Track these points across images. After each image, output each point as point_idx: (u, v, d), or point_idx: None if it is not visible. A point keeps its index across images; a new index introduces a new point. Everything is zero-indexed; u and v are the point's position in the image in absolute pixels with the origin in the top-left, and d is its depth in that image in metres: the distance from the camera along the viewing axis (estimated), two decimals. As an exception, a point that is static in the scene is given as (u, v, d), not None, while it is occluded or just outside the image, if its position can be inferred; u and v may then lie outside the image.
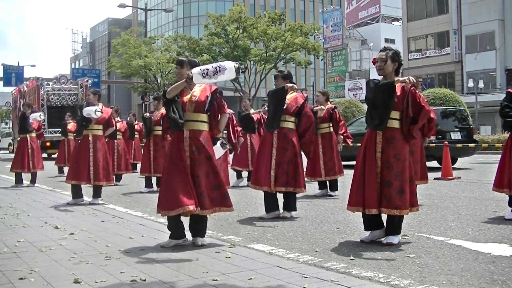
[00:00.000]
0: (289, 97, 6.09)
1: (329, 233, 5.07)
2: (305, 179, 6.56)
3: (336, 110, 8.38)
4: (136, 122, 13.20)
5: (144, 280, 3.36)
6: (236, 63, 4.38)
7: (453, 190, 8.54)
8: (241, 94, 35.20)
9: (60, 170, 13.78)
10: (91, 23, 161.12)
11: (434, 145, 11.46)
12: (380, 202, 4.43)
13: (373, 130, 4.56)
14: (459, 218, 5.84)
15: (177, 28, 62.55)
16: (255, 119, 10.04)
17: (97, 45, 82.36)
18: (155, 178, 9.31)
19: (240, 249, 4.30)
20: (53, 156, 19.84)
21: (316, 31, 38.84)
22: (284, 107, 6.01)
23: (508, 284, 3.31)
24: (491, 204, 6.76)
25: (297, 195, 6.34)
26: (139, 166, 11.48)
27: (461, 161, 14.75)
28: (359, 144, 4.81)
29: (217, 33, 35.43)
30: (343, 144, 8.53)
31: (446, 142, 11.36)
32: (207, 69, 4.29)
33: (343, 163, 8.62)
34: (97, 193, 7.61)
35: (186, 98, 4.55)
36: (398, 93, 4.50)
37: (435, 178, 10.25)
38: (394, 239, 4.46)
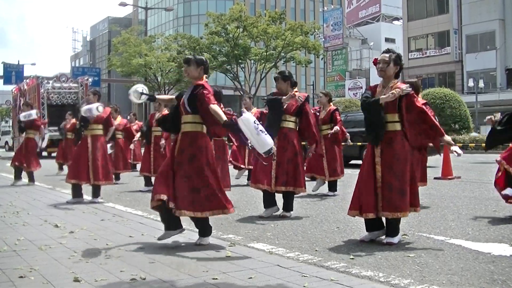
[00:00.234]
0: (288, 98, 6.07)
1: (329, 232, 5.07)
2: (305, 178, 6.57)
3: (337, 111, 8.40)
4: (136, 121, 13.26)
5: (144, 279, 3.35)
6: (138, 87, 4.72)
7: (453, 190, 8.55)
8: (241, 93, 35.22)
9: (60, 167, 13.87)
10: (91, 21, 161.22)
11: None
12: (381, 206, 4.42)
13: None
14: (459, 217, 5.84)
15: (177, 26, 62.51)
16: (255, 116, 10.09)
17: (98, 44, 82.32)
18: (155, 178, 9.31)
19: (240, 248, 4.30)
20: (53, 154, 19.85)
21: (316, 30, 38.83)
22: (284, 107, 6.04)
23: (508, 283, 3.31)
24: (491, 204, 6.76)
25: (296, 195, 6.35)
26: (138, 166, 11.51)
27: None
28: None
29: (217, 32, 35.42)
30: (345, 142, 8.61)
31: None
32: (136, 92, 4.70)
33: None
34: (96, 193, 7.63)
35: (181, 102, 4.56)
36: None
37: (435, 178, 10.26)
38: (394, 239, 4.46)
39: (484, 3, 40.35)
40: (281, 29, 35.13)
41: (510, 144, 5.97)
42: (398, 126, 4.49)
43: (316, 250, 4.28)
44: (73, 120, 12.73)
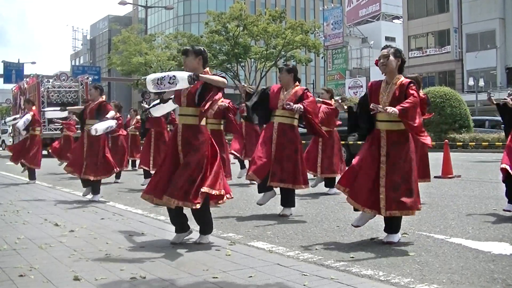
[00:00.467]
0: (289, 92, 6.07)
1: (329, 231, 5.07)
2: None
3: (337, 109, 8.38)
4: (137, 117, 13.26)
5: (144, 278, 3.35)
6: (190, 74, 4.18)
7: (453, 189, 8.54)
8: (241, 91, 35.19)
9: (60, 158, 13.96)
10: (91, 20, 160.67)
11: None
12: (384, 205, 4.40)
13: (377, 131, 4.54)
14: (459, 216, 5.83)
15: (177, 25, 62.50)
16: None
17: (98, 42, 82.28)
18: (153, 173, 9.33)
19: (240, 246, 4.30)
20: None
21: (316, 29, 38.84)
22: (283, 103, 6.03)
23: (508, 282, 3.31)
24: (491, 203, 6.76)
25: (297, 191, 6.31)
26: (137, 163, 11.56)
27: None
28: None
29: (217, 30, 35.42)
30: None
31: (446, 140, 11.34)
32: (162, 78, 4.20)
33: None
34: (95, 189, 7.61)
35: (181, 93, 4.52)
36: (397, 94, 4.49)
37: (435, 177, 10.24)
38: (394, 238, 4.46)
39: (485, 2, 40.32)
40: (281, 28, 35.14)
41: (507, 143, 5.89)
42: (402, 126, 4.45)
43: (316, 249, 4.28)
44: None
